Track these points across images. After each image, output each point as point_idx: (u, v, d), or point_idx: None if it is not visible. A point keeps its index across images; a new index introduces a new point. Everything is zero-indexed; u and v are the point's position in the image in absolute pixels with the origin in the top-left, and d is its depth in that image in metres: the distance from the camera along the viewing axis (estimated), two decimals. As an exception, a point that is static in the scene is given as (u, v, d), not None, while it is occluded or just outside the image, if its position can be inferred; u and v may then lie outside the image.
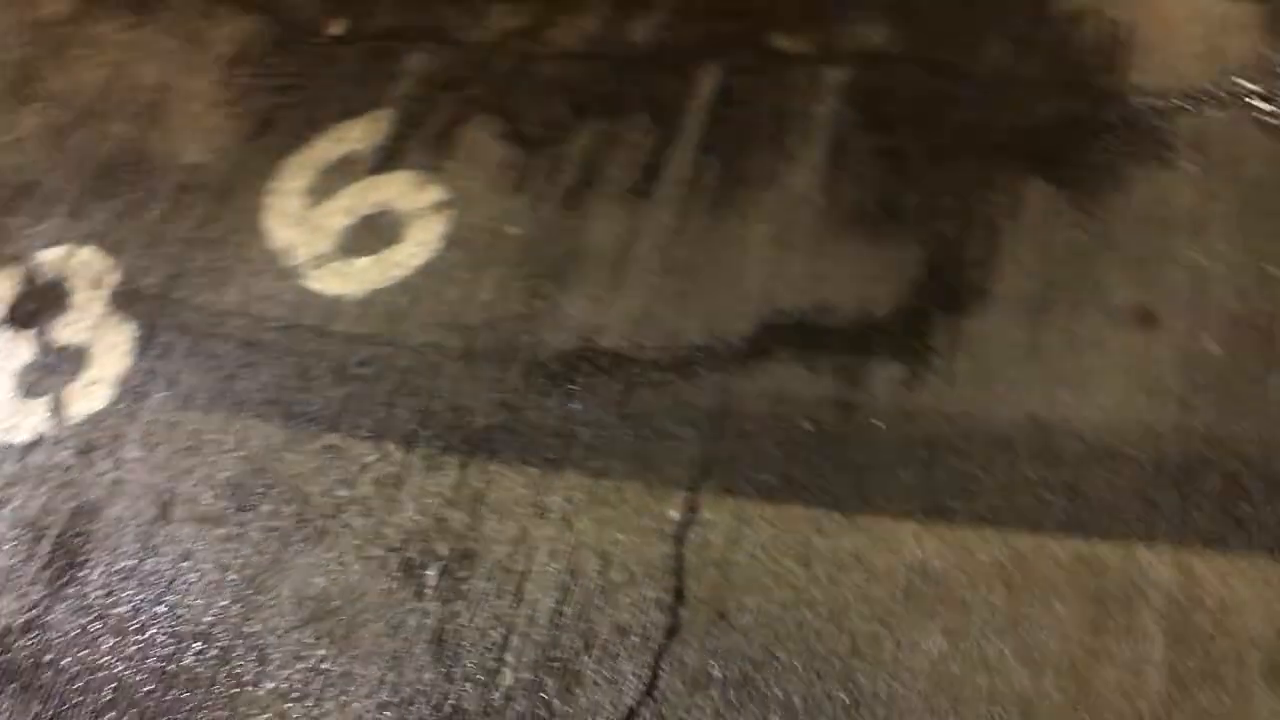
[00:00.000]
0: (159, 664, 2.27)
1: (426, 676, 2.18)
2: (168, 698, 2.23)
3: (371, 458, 2.46)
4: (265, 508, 2.43)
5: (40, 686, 2.28)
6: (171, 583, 2.36)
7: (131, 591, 2.37)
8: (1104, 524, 2.16)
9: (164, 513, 2.46)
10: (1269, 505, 2.14)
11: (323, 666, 2.21)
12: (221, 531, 2.41)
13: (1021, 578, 2.12)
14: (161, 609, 2.33)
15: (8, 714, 2.25)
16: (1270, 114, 2.61)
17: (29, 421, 2.65)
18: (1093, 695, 1.99)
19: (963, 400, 2.34)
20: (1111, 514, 2.16)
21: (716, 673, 2.10)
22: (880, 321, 2.47)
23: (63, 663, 2.30)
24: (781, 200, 2.68)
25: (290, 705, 2.19)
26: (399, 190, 2.85)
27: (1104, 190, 2.57)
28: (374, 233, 2.80)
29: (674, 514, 2.29)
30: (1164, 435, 2.23)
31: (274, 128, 3.05)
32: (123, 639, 2.31)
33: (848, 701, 2.04)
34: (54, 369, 2.73)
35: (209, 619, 2.30)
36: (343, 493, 2.42)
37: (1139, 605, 2.07)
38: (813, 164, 2.72)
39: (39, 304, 2.84)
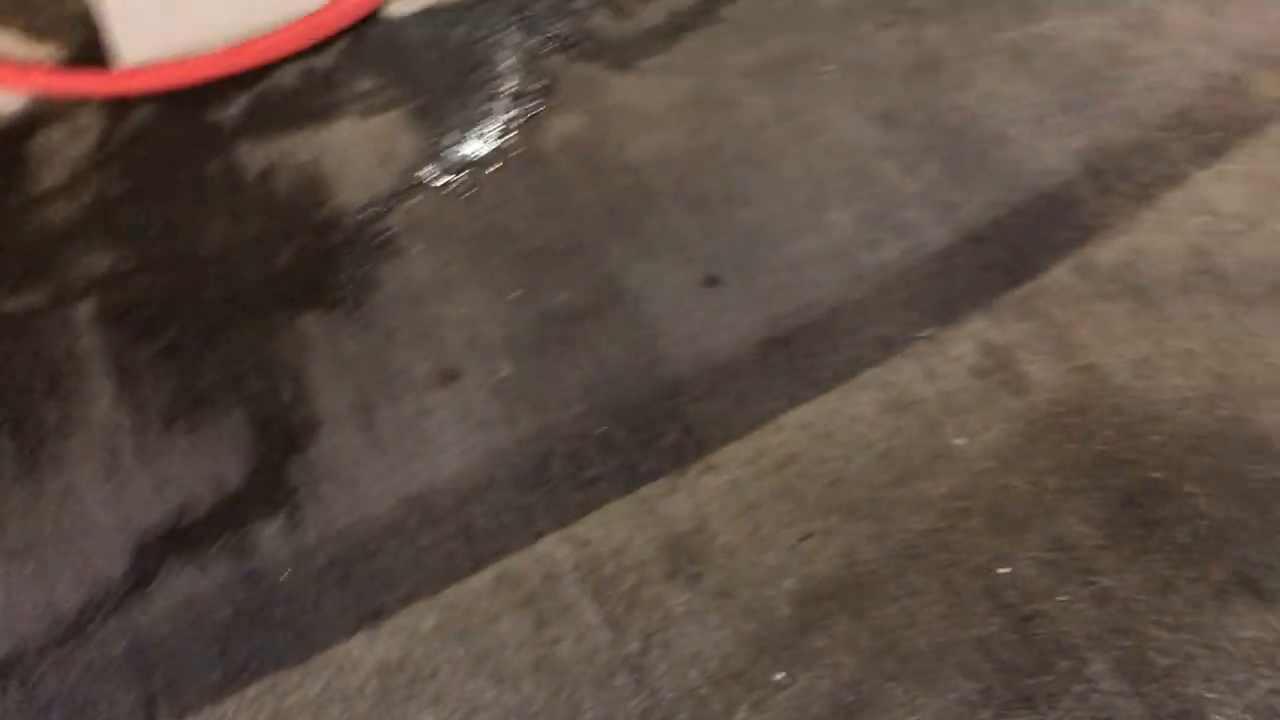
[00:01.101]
0: None
1: None
2: None
3: None
4: None
5: None
6: None
7: None
8: (500, 543, 2.49)
9: None
10: (604, 460, 2.61)
11: None
12: None
13: (464, 623, 2.38)
14: None
15: None
16: (448, 184, 3.16)
17: None
18: (564, 678, 2.30)
19: (342, 515, 2.54)
20: (501, 532, 2.50)
21: None
22: (239, 492, 2.59)
23: None
24: (92, 437, 2.68)
25: None
26: None
27: (364, 296, 2.93)
28: None
29: (142, 766, 2.23)
30: (506, 452, 2.63)
31: None
32: None
33: (383, 811, 2.15)
34: None
35: None
36: None
37: (559, 588, 2.43)
38: (105, 393, 2.76)
39: None
